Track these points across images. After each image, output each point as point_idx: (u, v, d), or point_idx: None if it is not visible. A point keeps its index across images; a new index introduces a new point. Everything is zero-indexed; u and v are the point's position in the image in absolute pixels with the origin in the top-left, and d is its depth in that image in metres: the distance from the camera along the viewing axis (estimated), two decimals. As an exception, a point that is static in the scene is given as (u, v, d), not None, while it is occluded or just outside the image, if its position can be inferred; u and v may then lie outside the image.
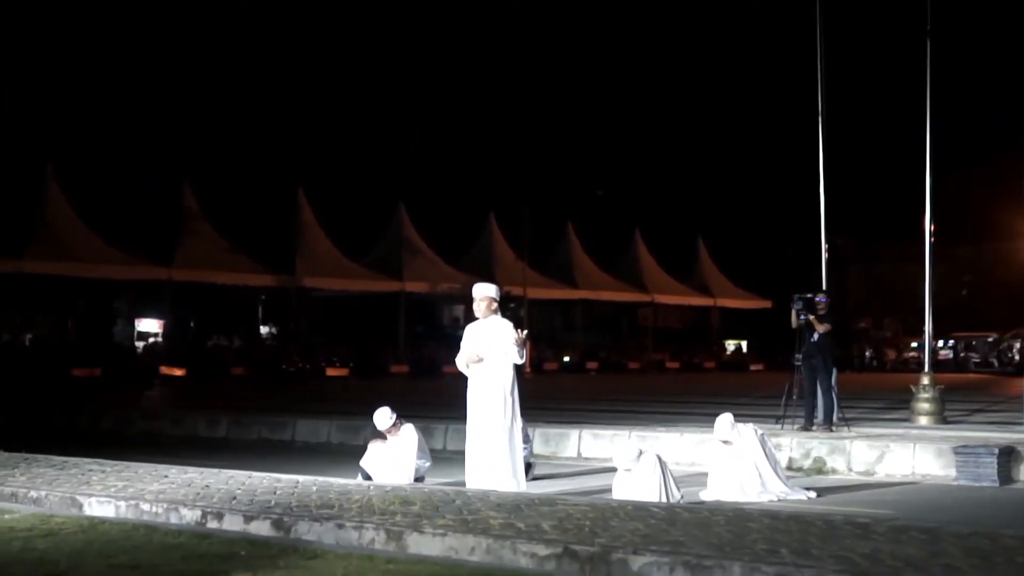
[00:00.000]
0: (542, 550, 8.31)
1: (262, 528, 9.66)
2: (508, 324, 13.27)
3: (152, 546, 8.56)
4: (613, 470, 16.36)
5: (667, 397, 31.25)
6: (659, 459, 12.65)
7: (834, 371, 19.61)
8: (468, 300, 43.35)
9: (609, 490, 12.70)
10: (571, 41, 69.77)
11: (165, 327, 49.00)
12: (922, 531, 8.78)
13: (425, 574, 7.50)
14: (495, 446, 12.54)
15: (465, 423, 13.11)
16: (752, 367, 58.62)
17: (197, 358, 44.44)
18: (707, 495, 12.98)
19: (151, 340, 49.46)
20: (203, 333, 50.19)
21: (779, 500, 12.83)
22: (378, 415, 14.24)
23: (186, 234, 44.44)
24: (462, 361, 13.19)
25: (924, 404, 20.75)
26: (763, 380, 45.01)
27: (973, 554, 7.81)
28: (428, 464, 14.44)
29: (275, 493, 11.10)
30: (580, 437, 18.73)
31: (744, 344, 65.88)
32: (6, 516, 10.13)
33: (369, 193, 53.99)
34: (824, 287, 21.43)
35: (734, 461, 13.17)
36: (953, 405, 23.22)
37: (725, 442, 13.27)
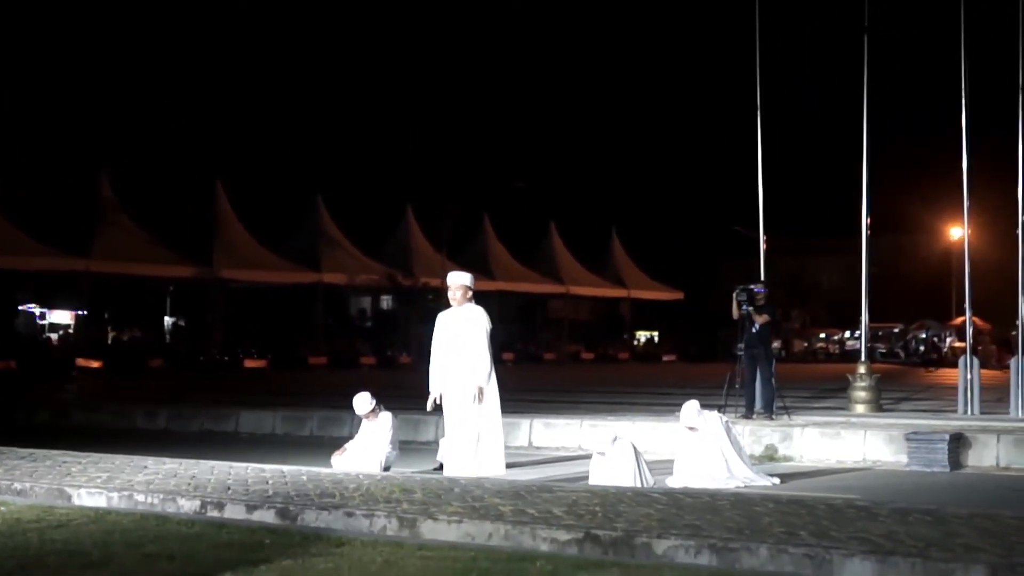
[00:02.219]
0: (563, 535, 8.44)
1: (266, 517, 9.67)
2: (481, 312, 13.38)
3: (172, 536, 8.54)
4: (572, 459, 16.68)
5: (603, 387, 31.53)
6: (633, 446, 12.85)
7: (773, 361, 20.06)
8: (385, 291, 43.10)
9: (582, 477, 12.85)
10: (485, 35, 69.95)
11: (77, 319, 48.25)
12: (924, 513, 9.09)
13: (465, 559, 7.59)
14: (483, 433, 12.67)
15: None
16: (665, 358, 59.27)
17: (113, 350, 43.87)
18: (674, 481, 13.09)
19: (61, 332, 48.74)
20: (117, 325, 49.49)
21: (745, 486, 12.96)
22: (358, 400, 14.30)
23: (104, 225, 43.77)
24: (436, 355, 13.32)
25: (861, 392, 21.17)
26: (680, 371, 45.68)
27: (984, 534, 8.11)
28: (396, 453, 14.51)
29: (267, 483, 11.10)
30: (531, 426, 18.88)
31: (656, 335, 66.57)
32: (1, 508, 10.01)
33: (286, 184, 53.72)
34: (762, 279, 21.79)
35: (700, 447, 13.33)
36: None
37: (691, 428, 13.45)
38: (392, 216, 54.82)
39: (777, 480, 13.70)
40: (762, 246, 22.91)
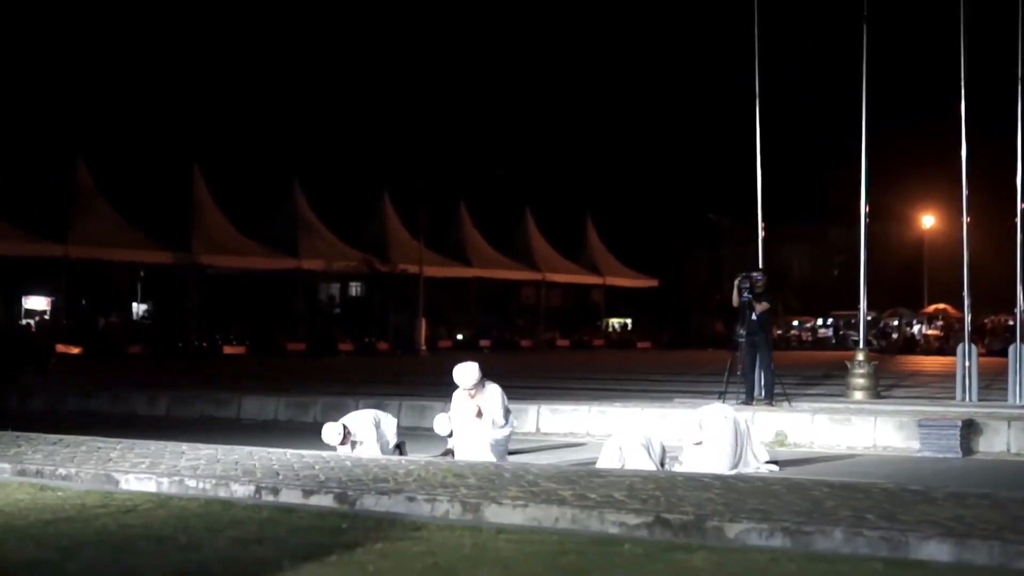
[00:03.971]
0: (632, 519, 8.56)
1: (324, 501, 9.73)
2: (497, 388, 13.65)
3: (246, 521, 8.60)
4: (579, 444, 16.84)
5: (591, 374, 31.70)
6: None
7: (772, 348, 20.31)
8: (362, 278, 43.05)
9: (591, 462, 12.86)
10: (460, 20, 69.86)
11: (54, 304, 47.97)
12: (980, 497, 9.29)
13: (551, 543, 7.70)
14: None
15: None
16: (639, 345, 59.54)
17: (92, 336, 43.68)
18: (682, 468, 12.96)
19: (38, 318, 48.40)
20: (99, 310, 49.23)
21: (753, 472, 12.77)
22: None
23: (80, 211, 43.55)
24: (441, 425, 13.60)
25: (859, 379, 21.36)
26: (658, 359, 45.95)
27: (1047, 517, 8.31)
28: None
29: (313, 468, 11.17)
30: (539, 412, 19.01)
31: (629, 322, 66.84)
32: (59, 493, 10.05)
33: (263, 169, 53.53)
34: (760, 266, 21.97)
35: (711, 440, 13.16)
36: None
37: (698, 444, 13.13)
38: (368, 202, 54.76)
39: (776, 467, 13.43)
40: (760, 233, 23.09)
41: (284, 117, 58.99)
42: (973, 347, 20.41)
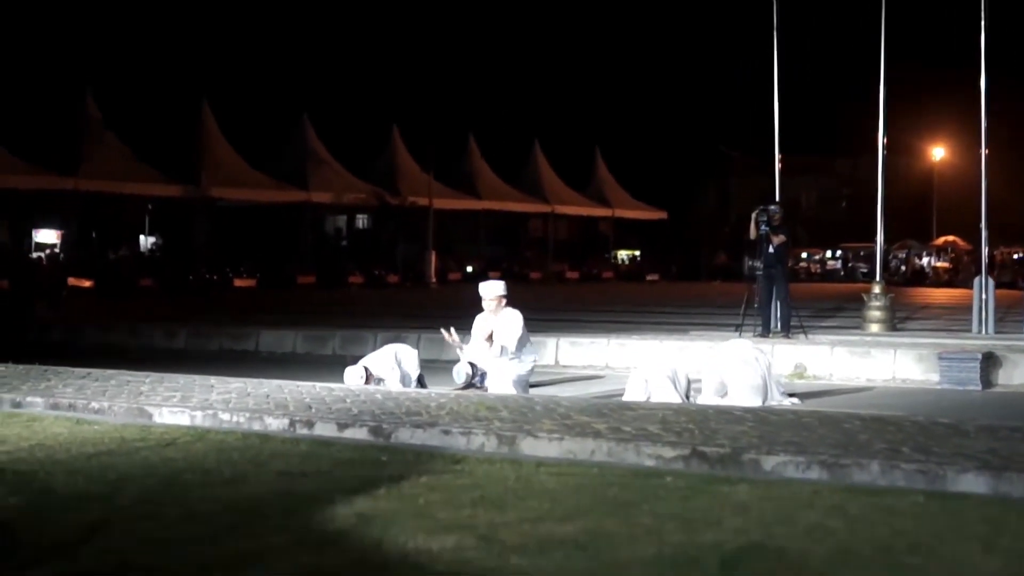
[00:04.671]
0: (668, 452, 8.64)
1: (359, 434, 9.80)
2: (518, 314, 13.73)
3: (287, 454, 8.67)
4: (599, 377, 16.95)
5: (606, 307, 31.87)
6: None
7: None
8: (372, 210, 43.28)
9: (617, 394, 13.01)
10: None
11: (64, 238, 48.07)
12: (1011, 430, 9.36)
13: (591, 475, 7.77)
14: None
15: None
16: (648, 277, 59.66)
17: (102, 270, 43.79)
18: (703, 400, 12.99)
19: (48, 251, 48.51)
20: (103, 244, 49.31)
21: (777, 405, 12.80)
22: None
23: (90, 144, 43.49)
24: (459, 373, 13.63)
25: (876, 312, 21.45)
26: (668, 291, 46.12)
27: (1080, 450, 8.38)
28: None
29: (345, 401, 11.25)
30: (558, 345, 19.12)
31: (637, 254, 66.92)
32: (95, 427, 10.12)
33: (272, 103, 53.40)
34: (777, 199, 21.96)
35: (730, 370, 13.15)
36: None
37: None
38: (378, 136, 54.64)
39: (798, 400, 13.41)
40: (777, 166, 23.11)
41: (294, 51, 58.88)
42: (990, 280, 20.43)
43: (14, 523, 6.29)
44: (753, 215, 20.05)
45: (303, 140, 51.03)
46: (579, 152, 62.85)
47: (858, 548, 5.78)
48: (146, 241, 53.51)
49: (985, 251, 21.71)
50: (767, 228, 19.73)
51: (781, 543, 5.84)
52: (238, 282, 45.77)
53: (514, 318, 13.77)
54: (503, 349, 13.56)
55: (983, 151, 21.28)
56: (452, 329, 14.20)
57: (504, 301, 13.90)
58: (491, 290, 13.95)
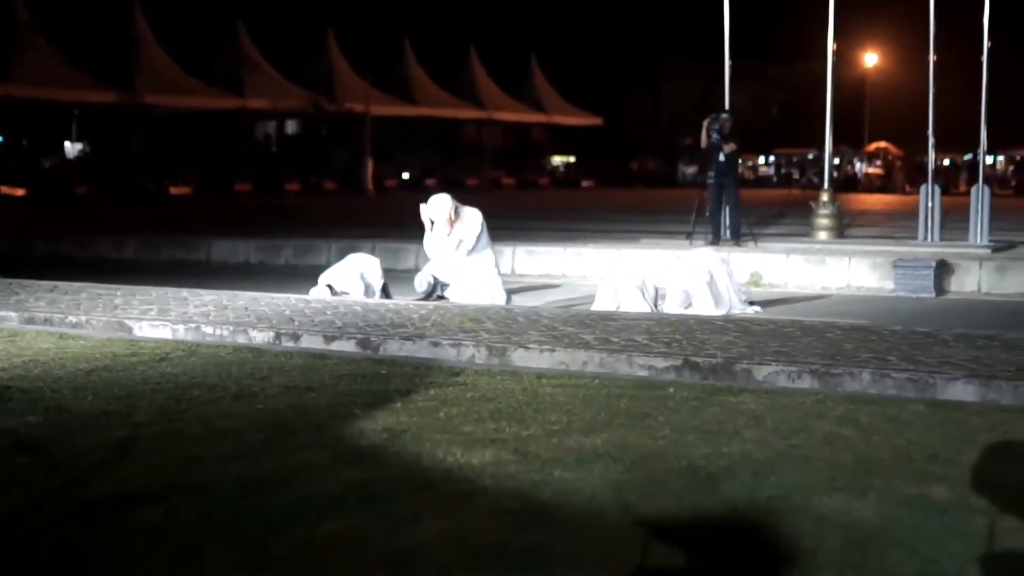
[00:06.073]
0: (660, 362, 8.81)
1: (346, 347, 9.86)
2: (477, 215, 13.54)
3: (285, 368, 8.71)
4: (555, 286, 17.12)
5: (550, 214, 31.96)
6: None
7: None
8: (308, 116, 42.73)
9: (584, 302, 13.28)
10: None
11: (-4, 145, 47.27)
12: (987, 338, 9.64)
13: (594, 386, 7.91)
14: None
15: None
16: (584, 183, 59.81)
17: (37, 177, 43.12)
18: (667, 307, 13.14)
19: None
20: (35, 151, 48.47)
21: (740, 313, 13.02)
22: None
23: (21, 49, 42.54)
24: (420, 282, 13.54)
25: (824, 219, 21.77)
26: (608, 198, 46.28)
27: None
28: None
29: (326, 313, 11.30)
30: (514, 254, 19.26)
31: (572, 160, 66.99)
32: (80, 342, 10.09)
33: (205, 8, 52.37)
34: (727, 107, 22.07)
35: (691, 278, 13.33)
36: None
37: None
38: (313, 41, 53.92)
39: (759, 308, 13.66)
40: (727, 72, 23.23)
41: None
42: (936, 187, 20.75)
43: (45, 443, 6.30)
44: (704, 123, 20.25)
45: (238, 46, 50.31)
46: (514, 58, 62.51)
47: (880, 456, 5.99)
48: (72, 148, 52.62)
49: (932, 158, 22.00)
50: (718, 136, 19.92)
51: (805, 452, 6.03)
52: (174, 190, 45.25)
53: (473, 216, 13.48)
54: (460, 243, 13.39)
55: (931, 57, 21.47)
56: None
57: (456, 212, 13.41)
58: (442, 210, 13.33)
